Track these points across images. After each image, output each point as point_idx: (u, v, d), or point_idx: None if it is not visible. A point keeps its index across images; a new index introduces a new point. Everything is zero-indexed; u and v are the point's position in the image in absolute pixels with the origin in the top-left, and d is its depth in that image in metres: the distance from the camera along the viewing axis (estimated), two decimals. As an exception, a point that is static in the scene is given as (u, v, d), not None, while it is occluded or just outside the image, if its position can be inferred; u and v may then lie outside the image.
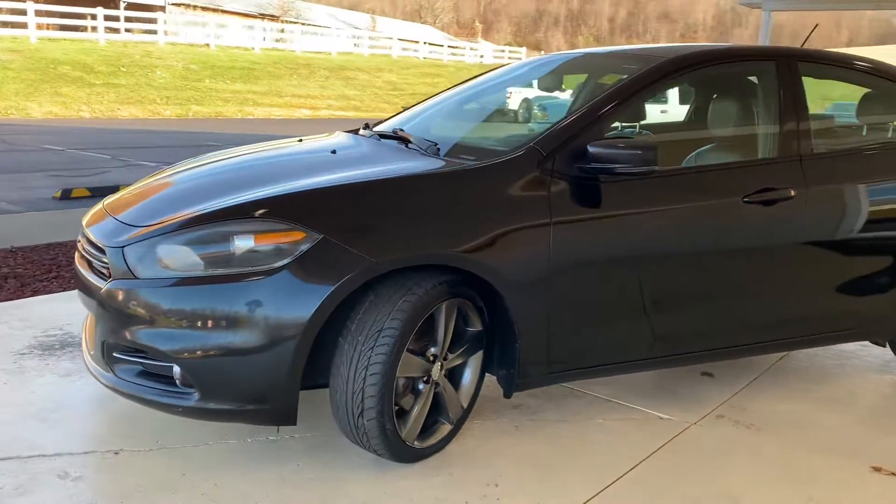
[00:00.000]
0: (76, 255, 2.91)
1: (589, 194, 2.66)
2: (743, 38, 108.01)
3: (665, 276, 2.82)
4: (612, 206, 2.68)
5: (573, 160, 2.65)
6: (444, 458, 2.62)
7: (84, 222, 2.89)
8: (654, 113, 6.94)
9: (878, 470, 2.69)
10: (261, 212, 2.40)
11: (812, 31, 4.36)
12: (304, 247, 2.31)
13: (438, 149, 2.87)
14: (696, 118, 3.70)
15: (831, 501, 2.48)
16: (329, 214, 2.40)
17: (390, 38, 38.89)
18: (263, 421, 2.45)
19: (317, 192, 2.49)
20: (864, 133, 3.51)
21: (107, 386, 2.57)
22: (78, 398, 2.99)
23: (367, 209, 2.44)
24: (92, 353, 2.66)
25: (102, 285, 2.48)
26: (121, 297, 2.43)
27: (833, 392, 3.41)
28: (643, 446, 2.78)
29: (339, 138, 3.41)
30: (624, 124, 3.55)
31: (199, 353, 2.33)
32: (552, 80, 3.90)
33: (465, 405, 2.70)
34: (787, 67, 3.14)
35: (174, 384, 2.42)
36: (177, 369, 2.38)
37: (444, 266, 2.47)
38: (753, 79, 3.20)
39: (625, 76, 2.94)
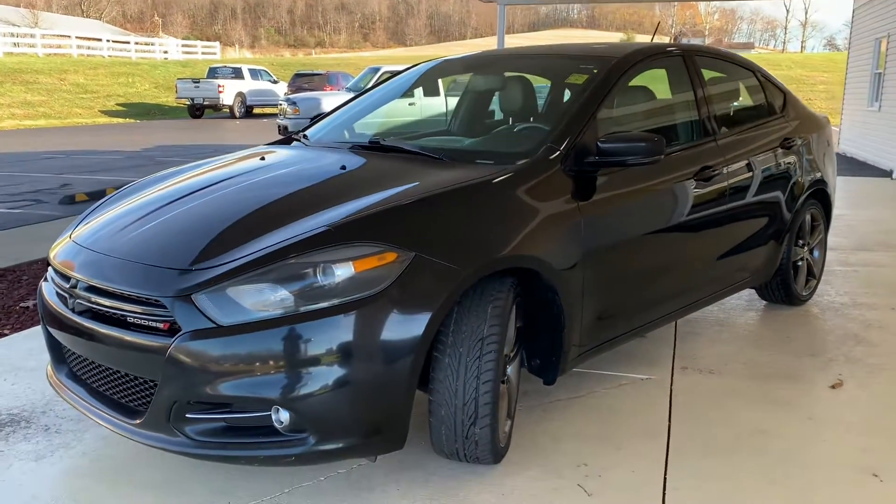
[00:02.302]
0: (53, 306, 2.52)
1: (603, 184, 2.90)
2: (416, 27, 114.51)
3: (661, 246, 3.18)
4: (621, 191, 2.97)
5: (584, 155, 2.87)
6: (515, 453, 2.71)
7: (72, 269, 2.49)
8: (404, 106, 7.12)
9: (830, 373, 3.33)
10: (350, 237, 2.29)
11: (656, 29, 5.04)
12: (401, 267, 2.27)
13: (442, 157, 2.93)
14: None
15: (804, 398, 3.03)
16: (413, 232, 2.37)
17: (68, 37, 35.09)
18: (377, 451, 2.35)
19: (393, 211, 2.42)
20: (740, 114, 4.18)
21: (177, 453, 2.28)
22: (79, 484, 2.56)
23: (443, 222, 2.45)
24: (137, 421, 2.32)
25: (166, 342, 2.18)
26: (201, 350, 2.17)
27: (736, 330, 4.06)
28: (656, 404, 3.13)
29: (307, 153, 3.27)
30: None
31: (310, 393, 2.18)
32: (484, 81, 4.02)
33: (516, 399, 2.82)
34: (693, 61, 3.67)
35: (277, 433, 2.23)
36: (283, 415, 2.20)
37: (507, 269, 2.56)
38: (685, 71, 3.66)
39: (589, 76, 3.22)
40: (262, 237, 2.34)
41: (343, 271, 2.22)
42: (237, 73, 27.11)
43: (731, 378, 3.41)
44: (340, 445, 2.25)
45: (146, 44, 40.46)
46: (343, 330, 2.19)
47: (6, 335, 3.99)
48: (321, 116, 3.95)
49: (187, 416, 2.24)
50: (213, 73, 27.32)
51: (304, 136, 3.66)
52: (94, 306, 2.39)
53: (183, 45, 43.68)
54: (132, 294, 2.28)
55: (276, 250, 2.26)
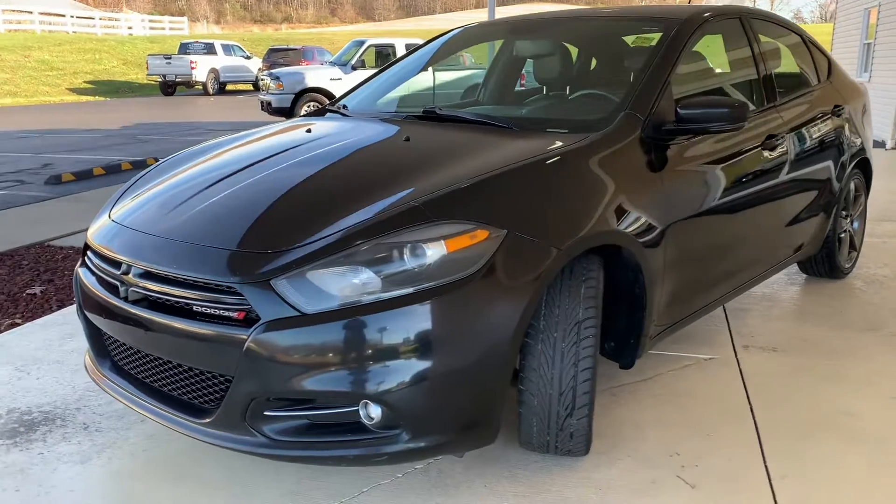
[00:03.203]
0: (97, 294, 2.29)
1: (679, 153, 2.72)
2: (385, 2, 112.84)
3: (732, 217, 3.01)
4: (697, 160, 2.80)
5: (661, 123, 2.68)
6: (599, 442, 2.55)
7: (122, 253, 2.25)
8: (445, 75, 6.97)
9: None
10: (441, 214, 2.08)
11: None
12: (493, 246, 2.07)
13: (511, 126, 2.72)
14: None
15: (878, 376, 2.91)
16: (503, 207, 2.17)
17: (30, 12, 33.94)
18: (471, 446, 2.17)
19: (480, 186, 2.21)
20: (794, 80, 4.00)
21: (254, 454, 2.07)
22: (134, 489, 2.34)
23: (530, 196, 2.25)
24: (206, 420, 2.11)
25: (242, 334, 1.97)
26: (283, 341, 1.95)
27: (785, 305, 3.93)
28: (729, 385, 2.98)
29: (356, 124, 3.04)
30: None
31: (403, 386, 1.98)
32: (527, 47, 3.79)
33: (594, 385, 2.65)
34: (749, 24, 3.49)
35: (366, 430, 2.03)
36: (374, 410, 2.00)
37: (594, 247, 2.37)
38: (743, 34, 3.47)
39: (658, 38, 3.02)
40: (342, 216, 2.12)
41: (434, 251, 2.01)
42: (209, 49, 26.43)
43: (798, 356, 3.28)
44: (435, 442, 2.06)
45: (111, 19, 39.32)
46: (437, 315, 1.99)
47: (19, 324, 3.72)
48: (355, 87, 3.69)
49: (266, 413, 2.04)
50: (184, 48, 26.61)
51: (343, 107, 3.40)
52: (152, 294, 2.16)
53: (150, 21, 42.51)
54: (200, 280, 2.06)
55: (361, 230, 2.05)
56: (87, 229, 2.63)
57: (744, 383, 3.00)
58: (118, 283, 2.25)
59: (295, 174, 2.45)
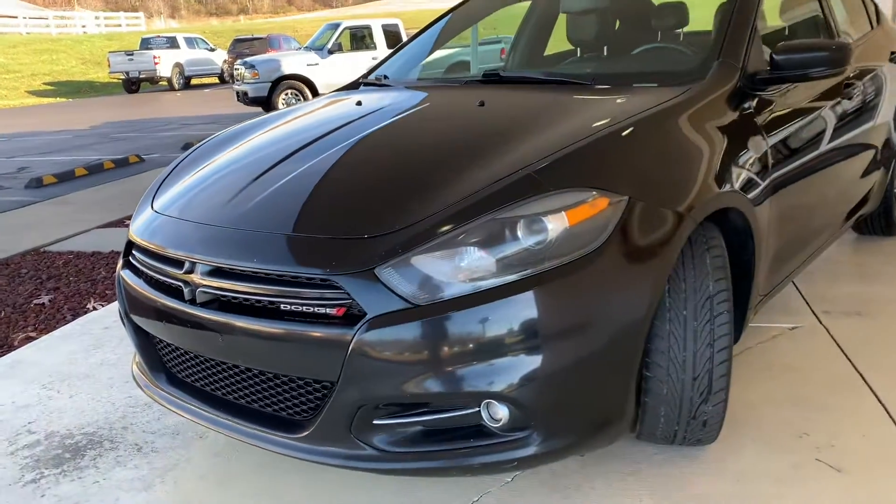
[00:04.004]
0: (154, 299, 1.99)
1: (774, 103, 2.49)
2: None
3: (820, 172, 2.78)
4: (791, 111, 2.58)
5: (755, 70, 2.45)
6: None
7: (182, 249, 1.96)
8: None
9: None
10: (558, 182, 1.81)
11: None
12: (616, 215, 1.81)
13: (591, 83, 2.47)
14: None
15: None
16: (620, 172, 1.91)
17: (-20, 14, 32.81)
18: (607, 442, 1.92)
19: (588, 149, 1.94)
20: (855, 23, 3.77)
21: (364, 469, 1.80)
22: (215, 509, 2.06)
23: (646, 157, 2.00)
24: (300, 435, 1.83)
25: (345, 333, 1.69)
26: (393, 338, 1.68)
27: (849, 267, 3.73)
28: (826, 354, 2.77)
29: (410, 93, 2.77)
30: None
31: (532, 380, 1.72)
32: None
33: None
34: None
35: (490, 434, 1.77)
36: (499, 410, 1.74)
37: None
38: None
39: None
40: (443, 192, 1.85)
41: (556, 225, 1.75)
42: (172, 43, 25.70)
43: (886, 318, 3.07)
44: (569, 441, 1.81)
45: (64, 17, 38.16)
46: (564, 298, 1.73)
47: (34, 338, 3.39)
48: (386, 59, 3.38)
49: (374, 422, 1.76)
50: (146, 44, 25.84)
51: (383, 77, 3.10)
52: (225, 294, 1.87)
53: (105, 18, 41.36)
54: (288, 274, 1.77)
55: (469, 206, 1.78)
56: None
57: (842, 351, 2.79)
58: (181, 284, 1.95)
59: (372, 150, 2.17)
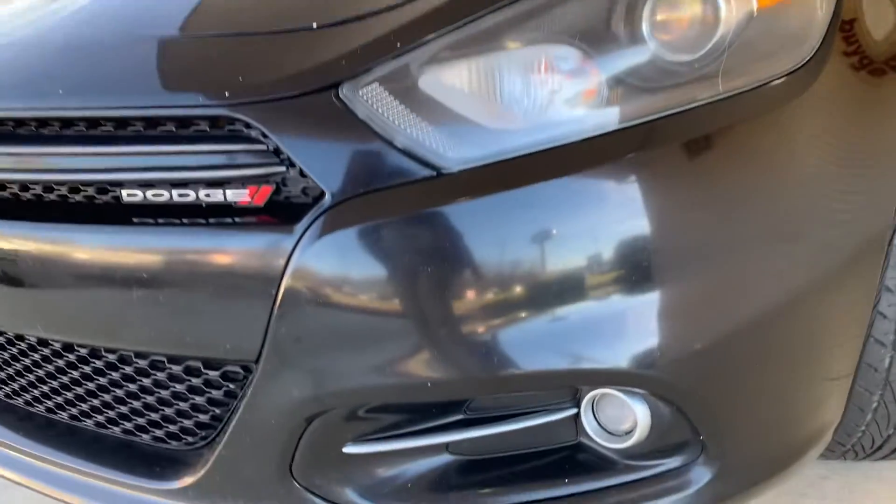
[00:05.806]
0: None
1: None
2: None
3: None
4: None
5: None
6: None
7: None
8: None
9: None
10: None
11: None
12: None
13: None
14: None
15: None
16: None
17: None
18: (795, 472, 0.98)
19: None
20: None
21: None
22: None
23: None
24: (187, 481, 0.84)
25: (281, 245, 0.73)
26: (390, 249, 0.73)
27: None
28: None
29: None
30: None
31: (704, 351, 0.77)
32: None
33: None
34: None
35: (608, 466, 0.81)
36: (629, 411, 0.79)
37: None
38: None
39: None
40: None
41: (732, 4, 0.79)
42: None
43: None
44: (762, 472, 0.86)
45: None
46: (755, 165, 0.80)
47: None
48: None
49: (346, 450, 0.79)
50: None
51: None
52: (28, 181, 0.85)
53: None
54: (153, 116, 0.77)
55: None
56: None
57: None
58: None
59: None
